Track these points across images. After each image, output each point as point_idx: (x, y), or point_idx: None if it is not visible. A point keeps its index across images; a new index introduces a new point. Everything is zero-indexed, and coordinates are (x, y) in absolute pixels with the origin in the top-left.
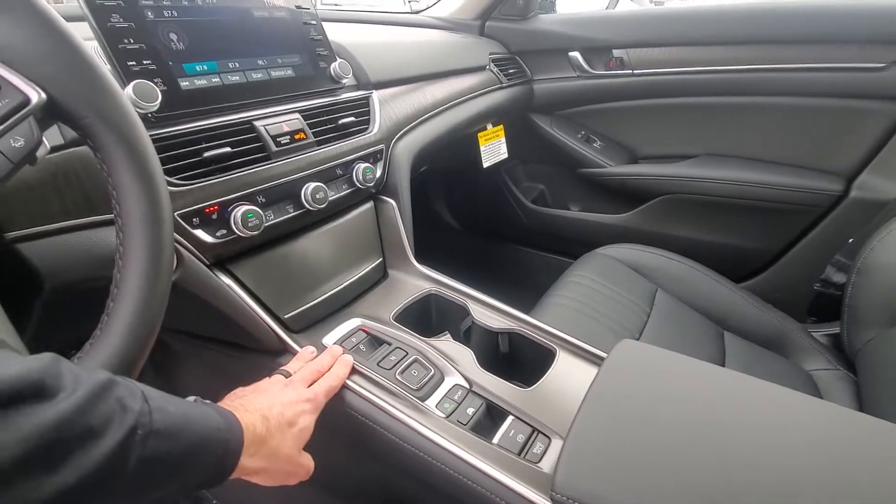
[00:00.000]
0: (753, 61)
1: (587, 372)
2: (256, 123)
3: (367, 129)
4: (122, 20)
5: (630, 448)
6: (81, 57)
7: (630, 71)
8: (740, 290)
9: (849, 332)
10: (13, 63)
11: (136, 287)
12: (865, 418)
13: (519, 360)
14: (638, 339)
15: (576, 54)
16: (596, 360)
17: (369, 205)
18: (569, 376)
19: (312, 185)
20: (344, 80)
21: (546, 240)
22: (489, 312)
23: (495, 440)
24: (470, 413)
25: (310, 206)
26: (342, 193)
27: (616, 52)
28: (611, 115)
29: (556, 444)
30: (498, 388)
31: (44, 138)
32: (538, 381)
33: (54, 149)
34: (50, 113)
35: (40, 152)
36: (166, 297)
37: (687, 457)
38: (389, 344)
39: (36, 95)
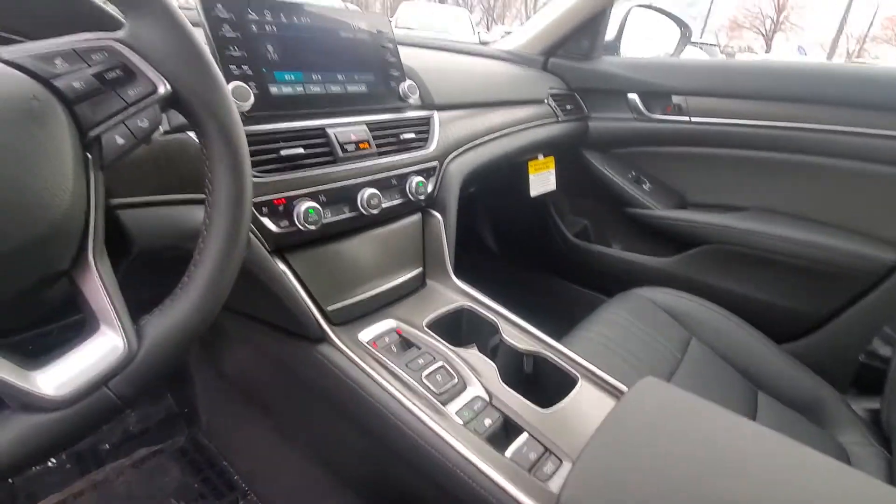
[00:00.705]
0: (815, 121)
1: (606, 403)
2: (328, 130)
3: (424, 145)
4: (230, 30)
5: (638, 477)
6: (203, 59)
7: (687, 118)
8: (780, 351)
9: (888, 408)
10: (149, 57)
11: (214, 256)
12: (892, 490)
13: (541, 382)
14: None
15: (634, 96)
16: (617, 394)
17: (417, 216)
18: (587, 404)
19: (369, 191)
20: (410, 99)
21: (584, 274)
22: (518, 333)
23: (508, 453)
24: (487, 424)
25: (364, 210)
26: (394, 202)
27: (675, 99)
28: (664, 159)
29: (567, 466)
30: (516, 404)
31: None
32: (556, 404)
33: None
34: (170, 102)
35: (156, 134)
36: (237, 269)
37: (693, 494)
38: (419, 348)
39: (163, 87)
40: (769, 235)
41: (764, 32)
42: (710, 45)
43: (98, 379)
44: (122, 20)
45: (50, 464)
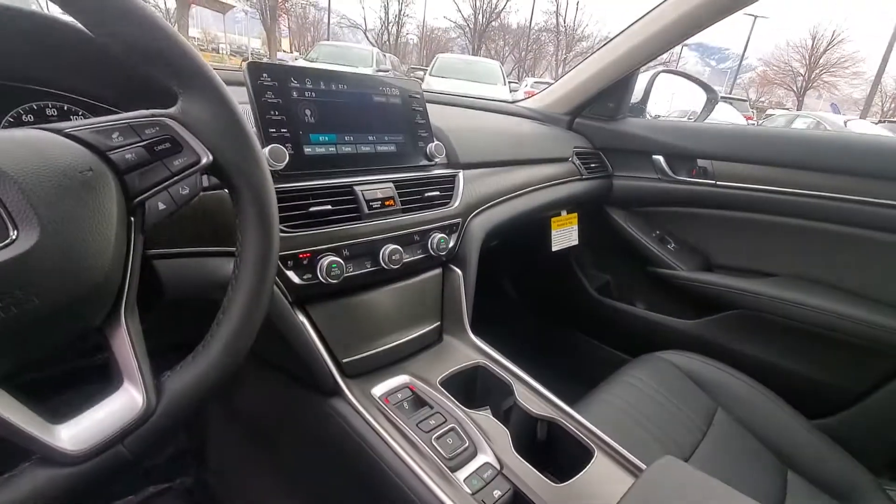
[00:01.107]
0: (845, 191)
1: (623, 481)
2: (356, 188)
3: (448, 203)
4: (273, 96)
5: None
6: (245, 134)
7: (713, 182)
8: (812, 428)
9: None
10: (196, 131)
11: (237, 316)
12: None
13: (555, 451)
14: (688, 459)
15: (659, 158)
16: (635, 471)
17: (438, 271)
18: (603, 481)
19: (391, 246)
20: (436, 159)
21: (605, 331)
22: (532, 396)
23: None
24: (496, 496)
25: (385, 265)
26: (416, 258)
27: (700, 162)
28: (689, 220)
29: None
30: (528, 476)
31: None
32: (571, 479)
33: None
34: (211, 171)
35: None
36: (258, 327)
37: None
38: (431, 407)
39: (206, 158)
40: (803, 305)
41: (795, 89)
42: (741, 99)
43: (115, 436)
44: (178, 95)
45: None
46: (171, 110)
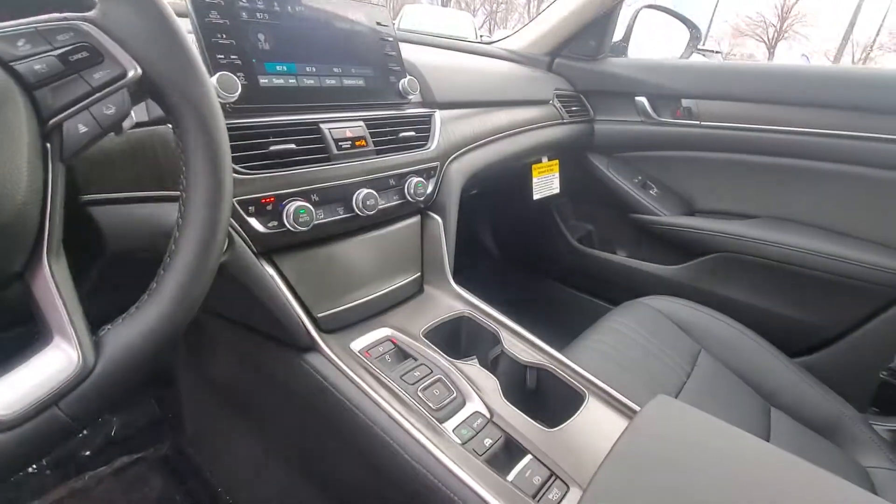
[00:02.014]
0: (830, 126)
1: (616, 423)
2: (322, 126)
3: (425, 145)
4: (219, 17)
5: None
6: (180, 43)
7: (697, 122)
8: (794, 366)
9: None
10: (119, 38)
11: (186, 260)
12: None
13: (545, 397)
14: None
15: (642, 99)
16: (627, 413)
17: (416, 219)
18: (596, 424)
19: (365, 191)
20: (410, 97)
21: (587, 281)
22: (520, 344)
23: (510, 477)
24: (487, 444)
25: (359, 211)
26: (392, 203)
27: (685, 102)
28: (671, 164)
29: (574, 493)
30: (519, 423)
31: (132, 111)
32: (563, 423)
33: (139, 124)
34: (142, 88)
35: (126, 123)
36: (213, 274)
37: None
38: (415, 359)
39: (133, 70)
40: (782, 245)
41: (766, 40)
42: (714, 52)
43: (47, 398)
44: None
45: (29, 470)
46: (90, 13)
